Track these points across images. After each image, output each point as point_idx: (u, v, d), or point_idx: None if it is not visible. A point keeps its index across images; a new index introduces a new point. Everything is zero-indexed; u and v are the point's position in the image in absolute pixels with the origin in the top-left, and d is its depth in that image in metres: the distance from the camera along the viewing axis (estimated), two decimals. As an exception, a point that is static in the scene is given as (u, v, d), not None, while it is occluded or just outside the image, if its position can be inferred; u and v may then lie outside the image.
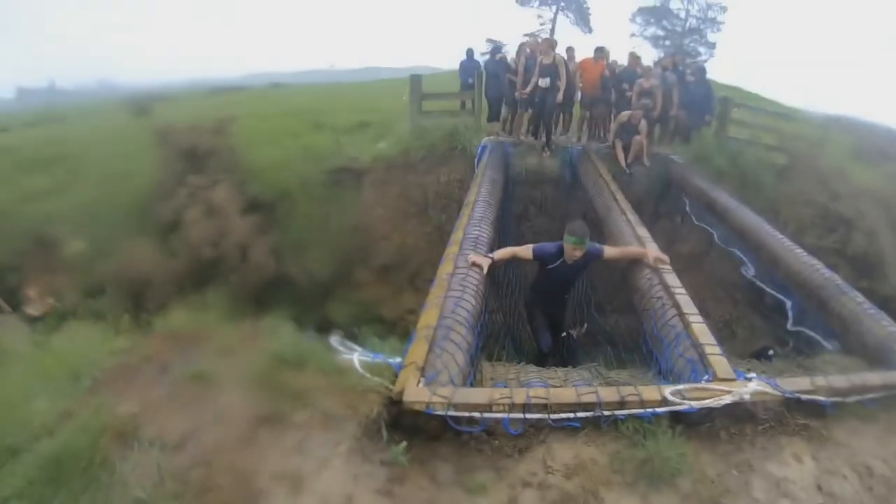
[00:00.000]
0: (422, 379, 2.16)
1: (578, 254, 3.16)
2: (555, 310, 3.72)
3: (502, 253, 3.33)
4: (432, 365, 2.27)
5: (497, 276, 4.58)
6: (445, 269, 3.17)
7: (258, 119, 8.82)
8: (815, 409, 2.33)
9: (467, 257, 3.22)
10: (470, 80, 7.74)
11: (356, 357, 2.31)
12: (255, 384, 2.14)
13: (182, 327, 3.17)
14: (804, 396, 2.29)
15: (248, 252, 7.00)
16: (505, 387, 2.19)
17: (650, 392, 2.15)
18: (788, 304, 4.58)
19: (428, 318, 2.62)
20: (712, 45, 31.76)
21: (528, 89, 6.96)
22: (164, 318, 3.42)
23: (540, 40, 7.74)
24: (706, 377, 2.35)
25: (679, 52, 12.80)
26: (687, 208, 6.95)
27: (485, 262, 3.17)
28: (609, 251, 3.44)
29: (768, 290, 5.07)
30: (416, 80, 7.33)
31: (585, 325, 4.79)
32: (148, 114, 11.61)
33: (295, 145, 7.82)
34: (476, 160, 6.76)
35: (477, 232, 3.86)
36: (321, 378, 2.20)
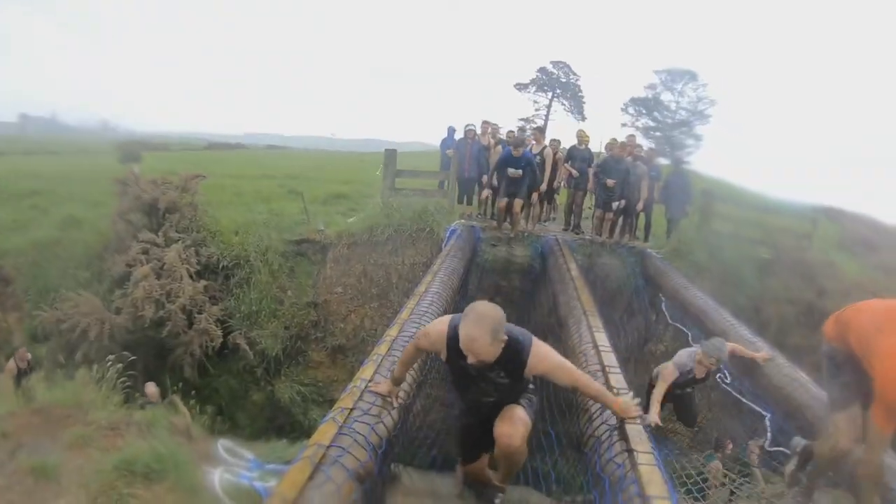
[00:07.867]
0: None
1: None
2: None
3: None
4: (308, 499, 1.65)
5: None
6: (365, 371, 2.56)
7: (234, 179, 8.69)
8: None
9: (376, 387, 2.47)
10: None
11: (217, 476, 2.00)
12: (96, 492, 2.02)
13: (61, 401, 3.03)
14: None
15: (195, 317, 6.64)
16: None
17: None
18: (767, 416, 4.02)
19: (321, 434, 1.96)
20: (699, 138, 32.56)
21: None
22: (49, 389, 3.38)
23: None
24: None
25: (669, 144, 12.87)
26: (663, 306, 6.59)
27: (384, 389, 2.40)
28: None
29: (745, 400, 4.44)
30: (390, 155, 7.16)
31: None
32: (135, 161, 11.63)
33: (263, 210, 7.61)
34: (444, 244, 6.49)
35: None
36: (170, 496, 2.01)
